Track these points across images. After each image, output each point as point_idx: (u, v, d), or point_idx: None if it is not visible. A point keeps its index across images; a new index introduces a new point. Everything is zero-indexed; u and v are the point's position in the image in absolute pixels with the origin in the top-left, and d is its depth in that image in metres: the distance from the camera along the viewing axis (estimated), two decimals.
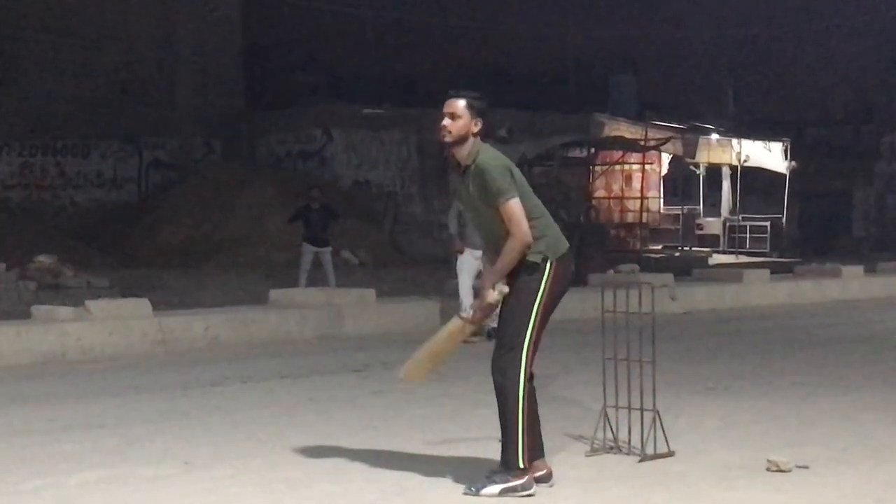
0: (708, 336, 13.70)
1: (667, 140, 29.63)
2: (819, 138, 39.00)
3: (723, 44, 41.02)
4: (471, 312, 6.31)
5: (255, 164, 29.23)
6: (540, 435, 6.31)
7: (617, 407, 7.09)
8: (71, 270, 19.03)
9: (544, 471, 6.25)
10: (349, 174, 28.74)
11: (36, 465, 6.88)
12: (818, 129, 39.73)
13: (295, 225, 19.13)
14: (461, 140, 6.18)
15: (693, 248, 30.84)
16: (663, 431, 6.91)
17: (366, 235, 25.99)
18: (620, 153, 30.29)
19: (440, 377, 10.32)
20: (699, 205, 33.01)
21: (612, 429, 7.05)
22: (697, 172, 32.66)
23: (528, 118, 29.78)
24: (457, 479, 6.45)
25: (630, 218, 31.57)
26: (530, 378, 6.17)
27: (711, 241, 31.57)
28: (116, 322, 12.00)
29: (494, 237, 6.13)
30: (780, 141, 32.08)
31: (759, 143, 31.99)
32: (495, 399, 6.18)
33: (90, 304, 12.26)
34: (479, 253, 12.23)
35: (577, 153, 29.45)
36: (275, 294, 14.17)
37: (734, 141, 31.68)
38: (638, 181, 31.13)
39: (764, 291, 17.96)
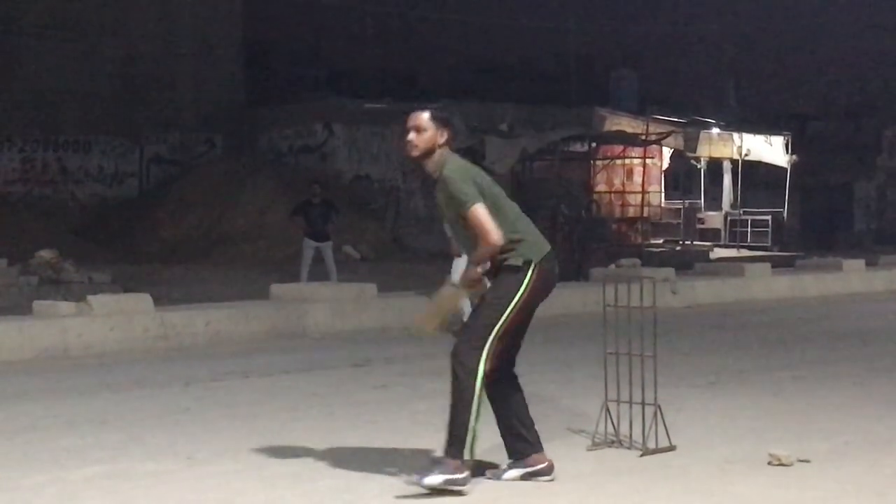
0: (709, 330, 13.70)
1: (668, 134, 29.59)
2: (820, 132, 38.96)
3: (724, 38, 40.99)
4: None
5: (257, 159, 29.22)
6: (534, 428, 6.30)
7: (618, 401, 7.09)
8: (72, 266, 19.04)
9: (545, 464, 6.25)
10: (350, 169, 28.74)
11: (38, 461, 6.88)
12: (819, 123, 39.70)
13: (296, 220, 19.15)
14: (428, 153, 6.23)
15: (694, 243, 30.80)
16: (665, 426, 6.91)
17: (367, 230, 26.00)
18: (621, 147, 30.24)
19: (440, 371, 10.34)
20: (700, 199, 32.97)
21: (613, 423, 7.06)
22: (698, 166, 32.63)
23: (529, 112, 29.76)
24: None
25: (631, 212, 31.53)
26: (491, 373, 6.09)
27: (713, 236, 31.54)
28: (118, 317, 12.00)
29: (470, 245, 6.18)
30: (781, 135, 32.05)
31: (760, 137, 31.95)
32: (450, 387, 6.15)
33: (91, 299, 12.26)
34: None
35: (579, 147, 29.40)
36: (276, 289, 14.18)
37: (735, 135, 31.64)
38: (639, 175, 31.08)
39: (765, 285, 17.96)
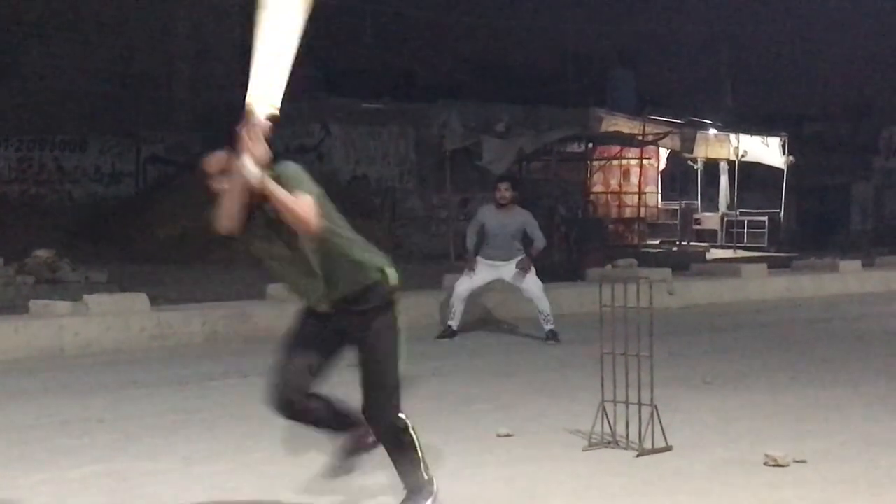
0: (706, 331, 13.71)
1: (665, 135, 29.59)
2: (817, 133, 38.98)
3: (721, 38, 41.01)
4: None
5: None
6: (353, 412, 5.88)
7: (615, 401, 7.10)
8: (69, 265, 19.01)
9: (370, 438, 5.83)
10: (347, 169, 28.73)
11: (34, 460, 6.88)
12: (816, 124, 39.72)
13: None
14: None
15: (691, 243, 30.80)
16: (661, 426, 6.92)
17: (364, 230, 25.96)
18: (618, 148, 30.24)
19: (435, 372, 10.34)
20: (697, 200, 32.98)
21: (609, 423, 7.06)
22: (695, 167, 32.64)
23: (526, 112, 29.74)
24: (455, 474, 6.46)
25: (628, 213, 31.53)
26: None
27: (709, 236, 31.54)
28: (114, 317, 12.00)
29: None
30: (777, 136, 32.05)
31: (756, 138, 31.96)
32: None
33: (88, 298, 12.25)
34: (491, 263, 12.52)
35: (575, 148, 29.40)
36: (273, 289, 14.16)
37: (732, 136, 31.64)
38: (636, 176, 31.08)
39: (762, 286, 17.97)
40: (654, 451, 6.86)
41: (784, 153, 31.62)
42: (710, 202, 33.04)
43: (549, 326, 12.47)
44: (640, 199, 30.59)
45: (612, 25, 39.18)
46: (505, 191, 12.51)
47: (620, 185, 31.61)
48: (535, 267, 12.80)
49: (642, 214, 30.92)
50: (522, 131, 27.44)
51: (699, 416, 8.08)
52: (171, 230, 26.27)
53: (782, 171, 31.57)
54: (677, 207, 31.96)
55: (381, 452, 5.71)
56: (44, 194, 28.03)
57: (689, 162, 32.21)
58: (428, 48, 38.94)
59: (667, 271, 17.30)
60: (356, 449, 5.81)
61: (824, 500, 5.97)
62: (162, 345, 12.08)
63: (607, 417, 7.06)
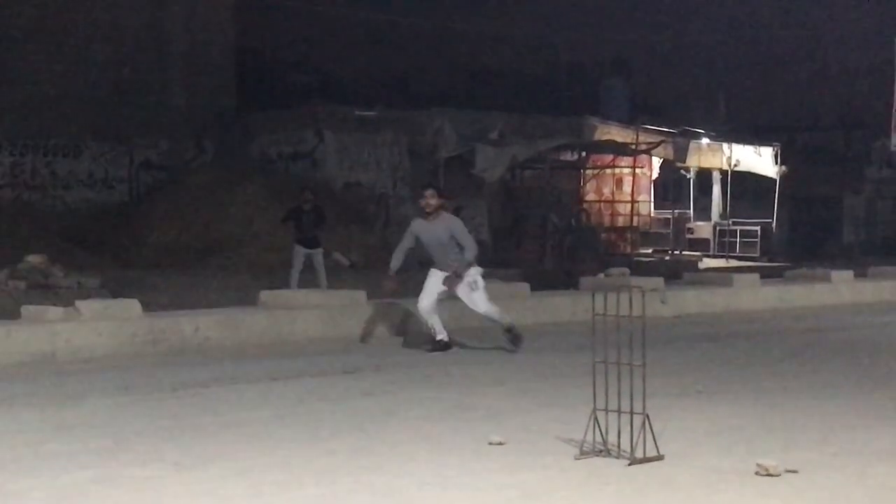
0: (698, 340, 13.72)
1: (658, 144, 29.66)
2: (809, 143, 39.03)
3: (715, 48, 41.07)
4: None
5: (247, 166, 29.18)
6: None
7: (607, 410, 7.10)
8: (61, 271, 18.99)
9: None
10: (341, 176, 28.71)
11: (25, 466, 6.87)
12: (809, 134, 39.77)
13: (287, 226, 19.16)
14: None
15: (683, 252, 30.86)
16: (653, 435, 6.92)
17: (357, 237, 25.96)
18: (612, 157, 30.31)
19: (428, 379, 10.35)
20: (690, 209, 33.05)
21: (601, 432, 7.06)
22: (688, 176, 32.70)
23: (520, 121, 29.77)
24: (447, 482, 6.46)
25: (621, 221, 31.59)
26: None
27: (702, 245, 31.59)
28: (107, 323, 11.98)
29: None
30: (770, 145, 32.13)
31: (749, 148, 32.04)
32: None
33: (80, 304, 12.24)
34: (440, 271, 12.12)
35: (569, 156, 29.46)
36: (265, 295, 14.16)
37: (725, 145, 31.72)
38: (629, 185, 31.15)
39: (754, 296, 17.98)
40: (645, 459, 6.86)
41: (777, 163, 31.70)
42: (703, 211, 33.10)
43: (505, 324, 12.18)
44: (632, 207, 30.65)
45: (606, 34, 39.21)
46: (430, 198, 12.08)
47: (613, 194, 31.68)
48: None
49: (635, 223, 30.99)
50: (516, 139, 27.49)
51: (691, 424, 8.09)
52: (163, 236, 26.25)
53: (775, 180, 31.65)
54: (670, 216, 32.03)
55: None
56: (36, 200, 27.97)
57: (682, 171, 32.28)
58: (422, 56, 38.97)
59: (659, 280, 17.32)
60: None
61: None
62: (154, 351, 12.06)
63: (599, 426, 7.06)
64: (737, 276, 18.86)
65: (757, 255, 30.53)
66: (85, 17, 28.99)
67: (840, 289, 19.10)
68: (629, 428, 6.97)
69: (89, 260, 23.39)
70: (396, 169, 28.85)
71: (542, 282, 18.73)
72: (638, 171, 30.85)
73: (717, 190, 32.63)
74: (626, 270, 19.02)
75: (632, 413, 7.00)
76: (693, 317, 16.37)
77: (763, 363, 11.55)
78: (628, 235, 30.88)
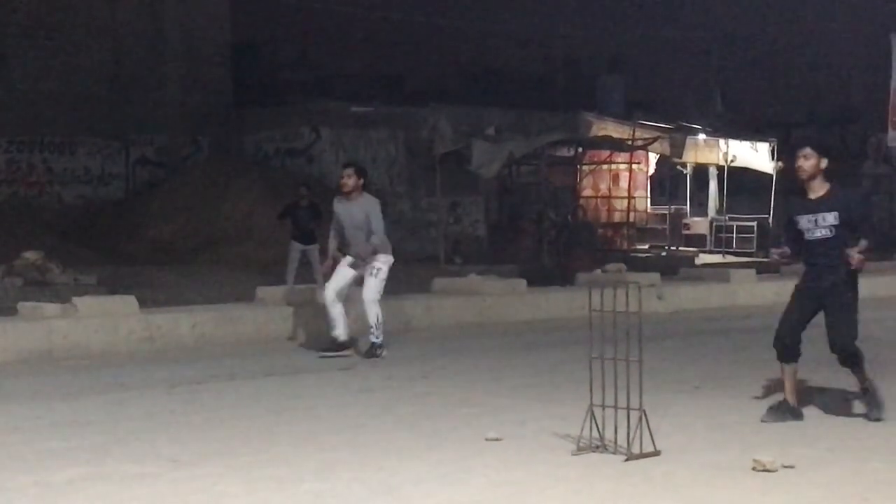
0: (694, 335, 13.72)
1: (654, 140, 29.65)
2: (806, 139, 39.06)
3: (711, 44, 41.08)
4: None
5: (243, 162, 29.18)
6: None
7: (603, 406, 7.10)
8: (58, 267, 18.97)
9: None
10: (337, 172, 28.64)
11: (22, 462, 6.86)
12: (805, 130, 39.80)
13: (283, 222, 19.16)
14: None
15: (680, 248, 30.86)
16: (649, 431, 6.92)
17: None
18: (608, 152, 30.31)
19: (425, 375, 10.35)
20: (686, 204, 33.04)
21: (598, 428, 7.07)
22: (684, 172, 32.70)
23: (516, 117, 29.80)
24: (444, 478, 6.46)
25: (617, 217, 31.59)
26: None
27: (698, 241, 31.59)
28: (103, 319, 11.97)
29: None
30: (766, 141, 32.13)
31: (745, 144, 32.03)
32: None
33: (77, 300, 12.23)
34: (352, 260, 11.61)
35: (565, 152, 29.43)
36: (262, 291, 14.15)
37: (721, 141, 31.72)
38: (625, 180, 31.15)
39: (750, 291, 17.99)
40: (642, 455, 6.86)
41: (773, 159, 31.69)
42: (700, 207, 33.10)
43: (372, 339, 11.52)
44: (629, 203, 30.65)
45: (602, 31, 39.23)
46: (347, 178, 11.61)
47: (610, 190, 31.68)
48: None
49: (631, 219, 30.98)
50: (512, 135, 27.48)
51: (687, 420, 8.09)
52: (160, 232, 26.25)
53: (771, 176, 31.64)
54: (666, 212, 32.02)
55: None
56: (33, 196, 27.95)
57: (679, 167, 32.27)
58: (418, 52, 38.97)
59: (656, 276, 17.33)
60: None
61: None
62: (150, 347, 12.06)
63: (596, 422, 7.06)
64: (733, 272, 18.86)
65: (753, 250, 30.53)
66: (81, 13, 28.96)
67: None
68: (626, 424, 6.97)
69: (86, 256, 23.37)
70: (392, 165, 28.86)
71: (539, 278, 18.75)
72: (634, 166, 30.85)
73: (713, 186, 32.63)
74: (623, 266, 19.01)
75: (628, 409, 7.00)
76: (689, 312, 16.38)
77: (759, 358, 11.54)
78: (625, 231, 30.88)
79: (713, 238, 31.48)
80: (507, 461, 6.88)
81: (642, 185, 32.66)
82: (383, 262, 11.61)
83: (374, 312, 11.50)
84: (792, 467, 6.63)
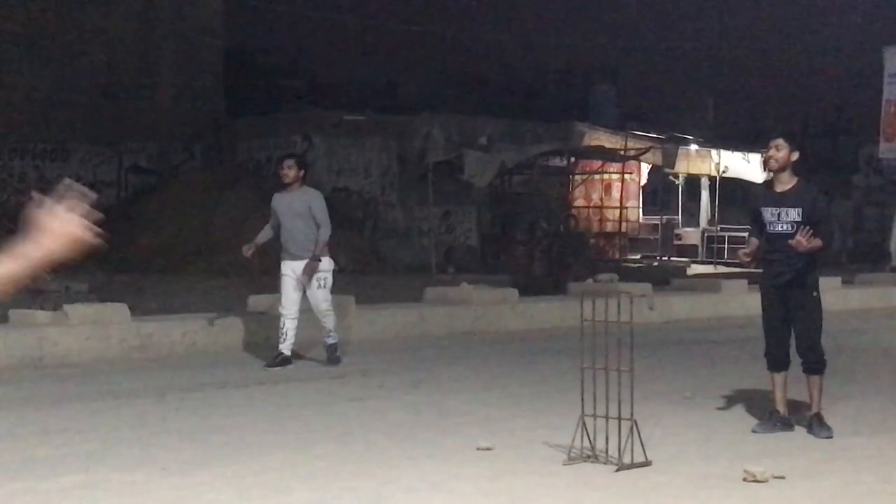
0: (686, 346, 13.74)
1: (646, 150, 29.71)
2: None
3: (703, 55, 41.21)
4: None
5: (236, 170, 29.17)
6: None
7: (595, 416, 7.10)
8: (49, 274, 18.90)
9: None
10: (329, 180, 28.70)
11: (12, 470, 6.85)
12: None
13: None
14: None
15: (671, 258, 30.91)
16: (641, 441, 6.93)
17: (345, 242, 25.96)
18: (600, 162, 30.36)
19: (417, 384, 10.34)
20: (678, 215, 33.11)
21: (589, 437, 7.07)
22: (676, 182, 32.77)
23: (509, 126, 29.81)
24: (435, 487, 6.46)
25: (609, 227, 31.62)
26: None
27: (690, 251, 31.65)
28: (94, 327, 11.95)
29: None
30: (758, 152, 32.14)
31: (737, 154, 32.10)
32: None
33: (68, 308, 12.21)
34: (291, 263, 11.39)
35: (557, 162, 29.48)
36: (254, 300, 14.14)
37: (713, 152, 31.79)
38: (617, 191, 31.19)
39: (742, 302, 18.00)
40: (633, 465, 6.86)
41: (764, 170, 31.73)
42: (691, 217, 33.16)
43: (330, 341, 11.57)
44: (621, 213, 30.68)
45: (595, 41, 39.30)
46: (288, 169, 11.40)
47: (602, 200, 31.71)
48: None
49: (623, 229, 31.02)
50: (505, 145, 27.50)
51: (679, 430, 8.10)
52: (151, 240, 26.21)
53: None
54: (658, 222, 32.07)
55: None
56: (24, 203, 27.91)
57: (671, 177, 32.33)
58: (411, 61, 39.03)
59: (647, 286, 17.33)
60: None
61: None
62: (142, 355, 12.04)
63: (587, 432, 7.07)
64: (725, 282, 18.87)
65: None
66: (74, 20, 28.95)
67: (828, 296, 18.96)
68: (617, 434, 6.98)
69: (77, 264, 23.30)
70: (385, 174, 28.85)
71: (531, 287, 18.75)
72: (627, 176, 30.90)
73: (705, 196, 32.69)
74: (615, 276, 19.04)
75: (620, 419, 7.01)
76: (681, 322, 16.39)
77: (750, 369, 11.56)
78: (617, 241, 30.90)
79: (705, 248, 31.53)
80: (499, 470, 6.87)
81: (634, 196, 32.70)
82: (328, 270, 11.47)
83: (331, 318, 11.54)
84: (783, 478, 6.64)
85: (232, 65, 32.08)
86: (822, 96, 41.54)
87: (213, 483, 6.55)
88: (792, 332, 8.26)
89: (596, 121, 32.97)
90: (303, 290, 11.43)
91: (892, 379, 11.07)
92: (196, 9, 30.80)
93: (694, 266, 29.43)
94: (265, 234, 11.81)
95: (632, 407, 6.96)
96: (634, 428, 6.89)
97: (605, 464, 6.94)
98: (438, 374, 11.09)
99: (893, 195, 33.66)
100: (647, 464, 6.91)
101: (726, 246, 31.29)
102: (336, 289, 11.99)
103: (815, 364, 8.19)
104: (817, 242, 7.92)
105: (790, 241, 7.91)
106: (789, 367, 8.35)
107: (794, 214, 8.06)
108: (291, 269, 11.39)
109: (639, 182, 32.61)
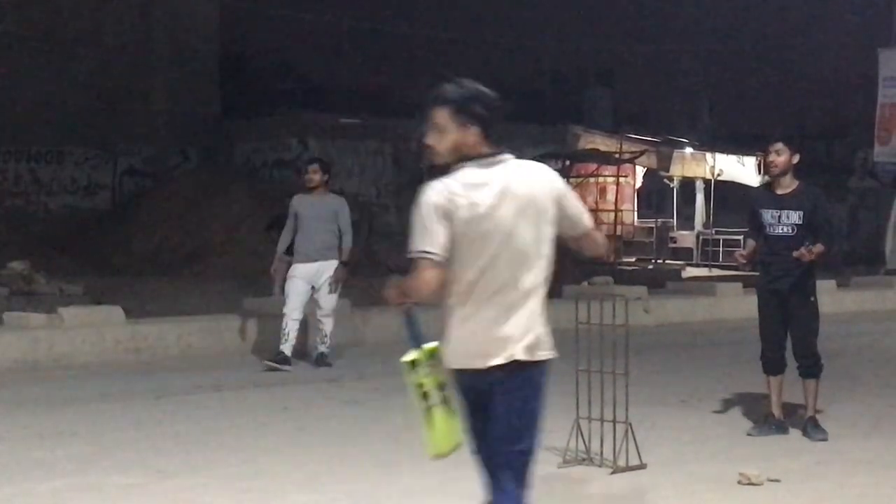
0: (681, 349, 13.74)
1: (641, 153, 29.72)
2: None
3: (698, 58, 41.23)
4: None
5: (231, 173, 29.15)
6: None
7: (589, 419, 7.11)
8: (44, 277, 18.92)
9: None
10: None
11: (7, 473, 6.84)
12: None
13: (270, 233, 19.14)
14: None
15: (666, 261, 30.90)
16: (635, 444, 6.93)
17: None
18: (595, 165, 30.36)
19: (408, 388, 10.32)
20: (673, 218, 33.11)
21: (584, 440, 7.07)
22: (671, 186, 32.77)
23: (504, 129, 29.66)
24: (430, 490, 6.46)
25: (604, 230, 31.60)
26: None
27: (685, 254, 31.64)
28: (89, 329, 11.94)
29: None
30: (753, 155, 32.20)
31: (732, 158, 32.11)
32: None
33: (63, 311, 12.20)
34: (306, 264, 11.36)
35: (552, 165, 29.44)
36: (249, 303, 14.13)
37: (708, 155, 31.79)
38: (612, 194, 31.19)
39: (736, 305, 18.00)
40: (628, 468, 6.87)
41: (760, 173, 31.75)
42: (686, 220, 33.16)
43: (322, 348, 11.60)
44: (616, 216, 30.67)
45: (590, 44, 39.33)
46: (314, 173, 11.54)
47: (597, 203, 31.69)
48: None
49: (618, 232, 31.00)
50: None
51: (673, 433, 8.10)
52: (146, 243, 26.20)
53: None
54: (653, 225, 32.07)
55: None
56: (19, 206, 27.88)
57: (666, 180, 32.34)
58: (406, 64, 39.01)
59: (642, 289, 17.33)
60: None
61: None
62: (137, 358, 12.03)
63: (582, 435, 7.07)
64: (719, 286, 18.88)
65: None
66: (69, 22, 28.93)
67: (822, 298, 18.90)
68: (612, 437, 6.98)
69: (72, 266, 23.32)
70: (380, 177, 28.86)
71: None
72: (622, 180, 30.90)
73: (700, 199, 32.70)
74: (610, 279, 19.05)
75: (615, 422, 7.01)
76: (676, 326, 16.40)
77: (745, 372, 11.56)
78: (612, 244, 30.90)
79: (700, 251, 31.53)
80: None
81: (629, 199, 32.70)
82: (341, 277, 11.53)
83: (331, 323, 11.63)
84: (778, 481, 6.64)
85: (227, 68, 32.06)
86: (817, 99, 41.58)
87: (209, 486, 6.55)
88: (788, 335, 8.26)
89: (591, 124, 32.97)
90: (309, 293, 11.45)
91: (887, 382, 11.08)
92: (191, 12, 30.80)
93: (689, 269, 29.42)
94: (285, 241, 11.80)
95: (627, 410, 6.96)
96: (629, 431, 6.90)
97: (599, 467, 6.95)
98: None
99: (888, 198, 33.70)
100: (641, 467, 6.92)
101: (721, 249, 31.30)
102: None
103: (811, 368, 8.20)
104: (820, 248, 7.94)
105: (794, 254, 7.92)
106: (785, 371, 8.35)
107: (794, 217, 8.09)
108: (302, 272, 11.40)
109: (634, 185, 32.62)
